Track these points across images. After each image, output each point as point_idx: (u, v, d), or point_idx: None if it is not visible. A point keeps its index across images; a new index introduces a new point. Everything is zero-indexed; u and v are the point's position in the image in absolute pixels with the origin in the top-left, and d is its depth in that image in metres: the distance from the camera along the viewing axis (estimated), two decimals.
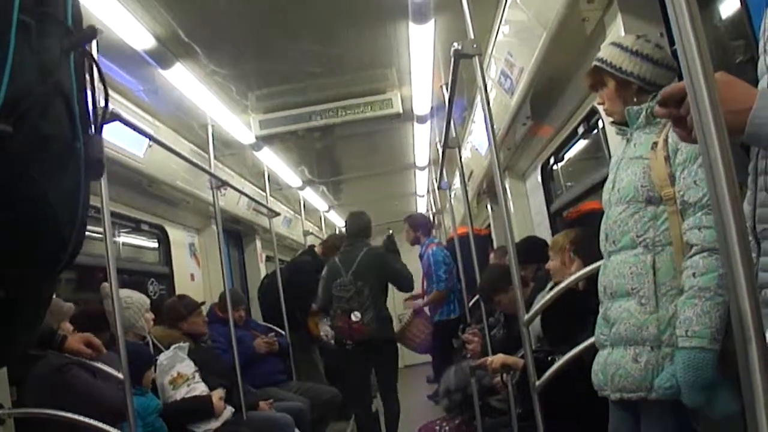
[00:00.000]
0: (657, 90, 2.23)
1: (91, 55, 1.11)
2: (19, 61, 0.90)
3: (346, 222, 6.34)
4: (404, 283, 6.00)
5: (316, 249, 7.35)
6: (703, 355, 1.91)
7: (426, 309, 7.36)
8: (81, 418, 2.83)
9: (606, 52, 2.37)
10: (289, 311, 6.61)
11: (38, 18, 0.95)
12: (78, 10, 1.07)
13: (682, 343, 1.96)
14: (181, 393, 4.26)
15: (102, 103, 1.15)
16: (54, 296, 3.35)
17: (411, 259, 7.05)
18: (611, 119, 2.44)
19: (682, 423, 2.11)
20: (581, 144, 4.82)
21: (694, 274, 1.96)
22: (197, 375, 4.42)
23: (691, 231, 2.00)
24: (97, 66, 1.14)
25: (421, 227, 7.58)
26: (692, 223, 2.00)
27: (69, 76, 1.03)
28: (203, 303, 5.41)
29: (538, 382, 2.73)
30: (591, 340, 2.54)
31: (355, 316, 5.62)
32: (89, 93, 1.12)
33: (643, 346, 2.14)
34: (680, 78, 1.26)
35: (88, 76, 1.13)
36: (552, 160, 5.44)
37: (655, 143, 2.16)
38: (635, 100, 2.31)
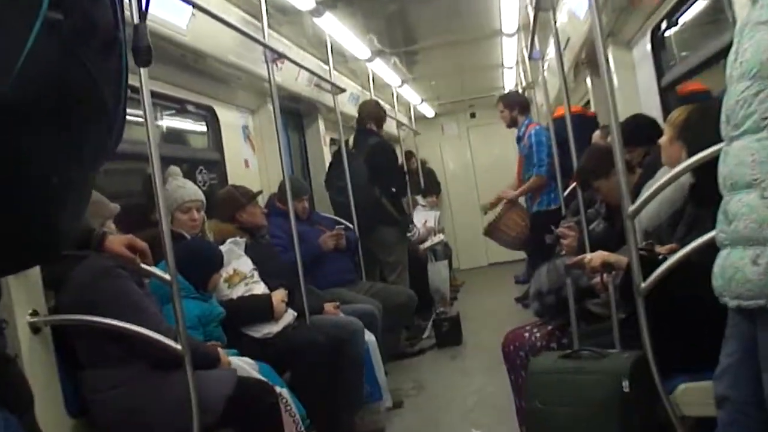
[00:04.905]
0: None
1: None
2: None
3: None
4: None
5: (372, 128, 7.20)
6: None
7: (522, 200, 7.34)
8: (127, 325, 2.90)
9: None
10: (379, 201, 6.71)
11: None
12: None
13: None
14: (238, 292, 4.32)
15: None
16: (99, 195, 3.40)
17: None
18: None
19: None
20: (699, 5, 4.64)
21: None
22: (255, 274, 4.48)
23: None
24: None
25: (517, 106, 7.56)
26: None
27: None
28: (260, 192, 5.46)
29: (643, 285, 2.71)
30: (705, 237, 2.48)
31: None
32: None
33: (765, 246, 2.04)
34: None
35: None
36: (664, 25, 5.24)
37: None
38: None
